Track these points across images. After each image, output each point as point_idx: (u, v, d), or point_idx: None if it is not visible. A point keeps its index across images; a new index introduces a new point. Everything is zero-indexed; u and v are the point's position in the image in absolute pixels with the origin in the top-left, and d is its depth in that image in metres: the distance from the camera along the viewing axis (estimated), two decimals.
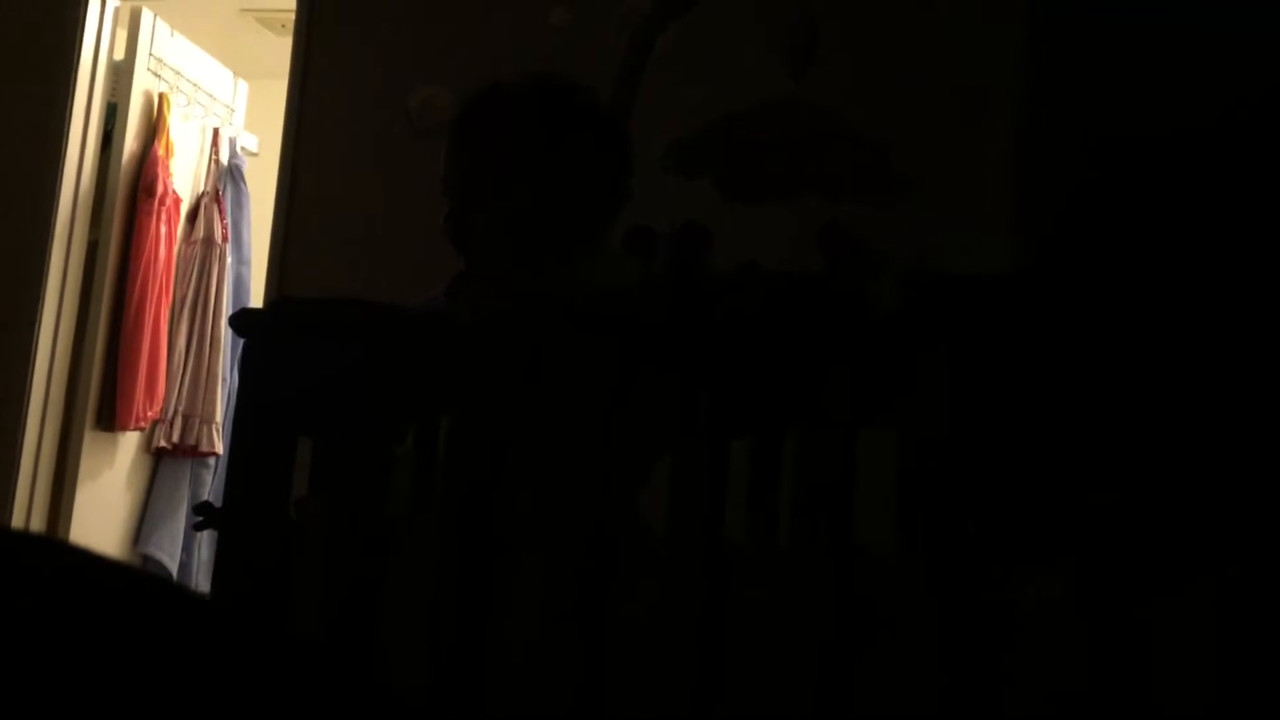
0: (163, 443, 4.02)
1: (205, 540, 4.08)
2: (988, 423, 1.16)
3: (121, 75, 3.89)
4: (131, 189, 3.91)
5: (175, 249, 4.05)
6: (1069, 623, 1.12)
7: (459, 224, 1.63)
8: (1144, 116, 2.85)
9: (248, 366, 1.48)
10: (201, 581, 4.05)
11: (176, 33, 4.09)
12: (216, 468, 4.15)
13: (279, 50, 3.85)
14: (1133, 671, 1.10)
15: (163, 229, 3.95)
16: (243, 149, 4.44)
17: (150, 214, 3.90)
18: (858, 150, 2.02)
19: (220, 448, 4.08)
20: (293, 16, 3.58)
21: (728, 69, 2.91)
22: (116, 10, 3.84)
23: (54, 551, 0.78)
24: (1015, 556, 1.17)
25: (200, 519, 1.74)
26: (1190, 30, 2.79)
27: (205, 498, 4.04)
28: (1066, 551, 1.14)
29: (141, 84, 3.93)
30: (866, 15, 2.99)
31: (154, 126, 3.99)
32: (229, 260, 4.22)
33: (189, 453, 4.08)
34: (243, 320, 1.49)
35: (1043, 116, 2.90)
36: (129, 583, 0.73)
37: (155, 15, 3.96)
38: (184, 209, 4.12)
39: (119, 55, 3.89)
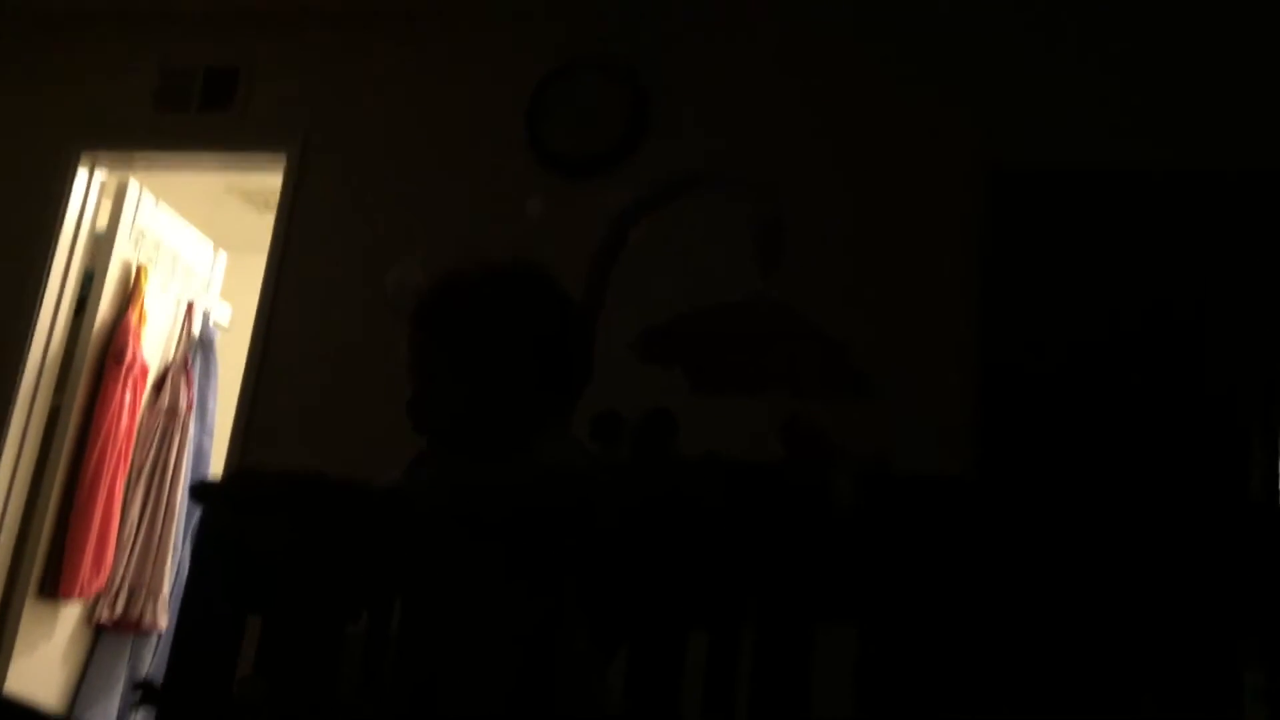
0: (105, 618, 3.90)
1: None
2: (942, 618, 1.16)
3: (101, 245, 3.93)
4: (101, 354, 3.91)
5: (138, 417, 4.03)
6: None
7: (420, 408, 1.63)
8: (1104, 321, 2.93)
9: (201, 536, 1.46)
10: None
11: (161, 202, 4.15)
12: (157, 645, 4.02)
13: (260, 226, 3.92)
14: None
15: (127, 396, 3.93)
16: (215, 323, 4.45)
17: (117, 380, 3.89)
18: (821, 347, 2.06)
19: (164, 623, 3.96)
20: (277, 195, 3.67)
21: (698, 264, 2.99)
22: (103, 184, 3.92)
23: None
24: None
25: (140, 696, 1.67)
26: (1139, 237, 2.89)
27: (144, 675, 3.90)
28: None
29: (121, 254, 3.97)
30: (832, 220, 3.10)
31: (129, 295, 4.02)
32: (191, 430, 4.19)
33: (131, 628, 3.96)
34: (200, 490, 1.48)
35: (1003, 323, 2.97)
36: None
37: (141, 186, 4.03)
38: (151, 377, 4.11)
39: (102, 225, 3.95)
